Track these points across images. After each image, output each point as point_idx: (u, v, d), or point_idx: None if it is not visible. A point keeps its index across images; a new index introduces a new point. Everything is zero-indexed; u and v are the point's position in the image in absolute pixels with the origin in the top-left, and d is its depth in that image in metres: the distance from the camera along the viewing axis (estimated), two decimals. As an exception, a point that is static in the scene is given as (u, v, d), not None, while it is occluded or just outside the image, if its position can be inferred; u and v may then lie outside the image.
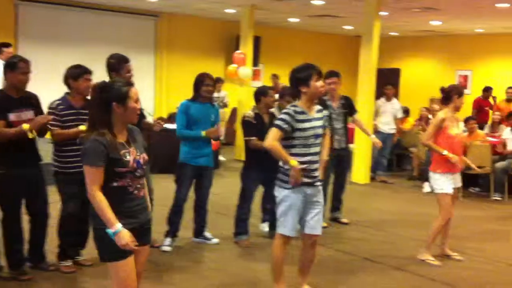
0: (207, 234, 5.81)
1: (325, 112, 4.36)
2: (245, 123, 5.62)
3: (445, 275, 5.08)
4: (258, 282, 4.79)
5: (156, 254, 5.30)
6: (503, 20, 12.20)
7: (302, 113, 4.05)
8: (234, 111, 12.71)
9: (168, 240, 5.52)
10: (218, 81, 11.75)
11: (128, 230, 2.95)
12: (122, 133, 3.05)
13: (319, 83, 4.07)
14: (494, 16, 11.59)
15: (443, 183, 5.26)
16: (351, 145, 6.58)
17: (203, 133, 5.36)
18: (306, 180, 4.07)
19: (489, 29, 13.94)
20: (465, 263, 5.46)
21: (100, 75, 4.77)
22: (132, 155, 3.02)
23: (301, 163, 4.03)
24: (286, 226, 4.14)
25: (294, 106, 4.09)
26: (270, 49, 14.80)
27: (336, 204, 6.91)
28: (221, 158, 11.00)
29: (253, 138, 5.48)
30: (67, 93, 4.70)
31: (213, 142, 8.83)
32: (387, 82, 10.55)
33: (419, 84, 16.31)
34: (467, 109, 9.76)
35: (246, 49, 11.42)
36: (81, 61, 4.91)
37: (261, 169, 5.56)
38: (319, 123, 4.17)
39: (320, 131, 4.16)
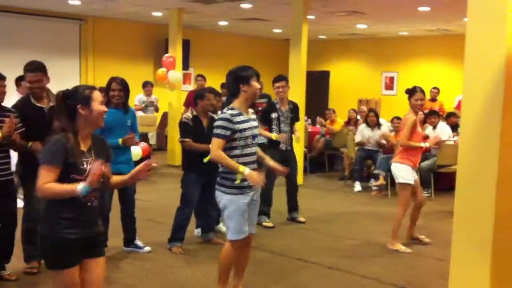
0: (138, 242, 5.62)
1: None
2: (182, 124, 5.58)
3: (376, 272, 5.16)
4: (191, 289, 4.68)
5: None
6: (425, 23, 12.68)
7: (240, 114, 4.04)
8: (164, 116, 12.49)
9: None
10: (147, 85, 11.52)
11: (79, 239, 2.95)
12: (85, 141, 3.02)
13: (258, 85, 4.13)
14: (416, 19, 12.02)
15: (409, 174, 5.75)
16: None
17: (120, 141, 5.14)
18: (248, 183, 4.03)
19: (413, 31, 14.46)
20: (397, 259, 5.59)
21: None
22: (91, 165, 2.95)
23: (243, 164, 4.01)
24: (234, 231, 4.08)
25: (231, 109, 4.06)
26: (200, 52, 14.72)
27: (292, 204, 7.03)
28: (152, 164, 10.75)
29: (188, 139, 5.43)
30: None
31: (143, 148, 8.70)
32: (318, 84, 10.73)
33: (347, 86, 16.71)
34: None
35: (175, 53, 11.26)
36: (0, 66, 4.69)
37: (201, 172, 5.51)
38: (255, 123, 4.21)
39: (256, 131, 4.18)
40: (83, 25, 12.85)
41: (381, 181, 8.79)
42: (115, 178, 3.24)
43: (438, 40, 14.85)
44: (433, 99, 11.91)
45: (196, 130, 5.49)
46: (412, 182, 5.77)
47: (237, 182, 3.97)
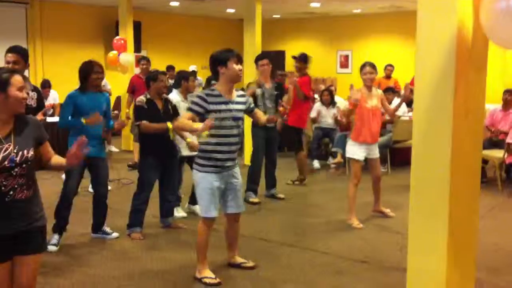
0: (106, 228, 5.53)
1: (250, 100, 4.54)
2: (136, 108, 5.51)
3: (336, 248, 5.21)
4: (159, 274, 4.60)
5: (50, 254, 4.94)
6: (378, 0, 12.74)
7: (218, 96, 4.18)
8: (118, 100, 12.21)
9: (55, 238, 5.16)
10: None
11: (1, 235, 2.77)
12: (3, 126, 2.80)
13: (238, 66, 4.18)
14: (368, -4, 12.07)
15: (356, 150, 5.82)
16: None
17: (83, 120, 5.05)
18: (226, 163, 4.22)
19: (366, 9, 14.53)
20: (356, 235, 5.65)
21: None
22: (5, 152, 2.74)
23: (218, 144, 4.17)
24: (204, 208, 4.25)
25: (211, 89, 4.24)
26: (153, 34, 14.42)
27: (271, 181, 7.25)
28: (113, 149, 10.59)
29: (144, 121, 5.36)
30: None
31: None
32: (273, 64, 10.58)
33: (303, 65, 16.68)
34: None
35: (126, 35, 10.98)
36: None
37: (159, 155, 5.49)
38: (239, 106, 4.29)
39: (240, 114, 4.29)
40: (29, 9, 12.39)
41: (339, 158, 8.85)
42: (56, 160, 3.06)
43: (391, 17, 14.98)
44: (388, 76, 12.02)
45: (151, 113, 5.41)
46: (358, 157, 5.81)
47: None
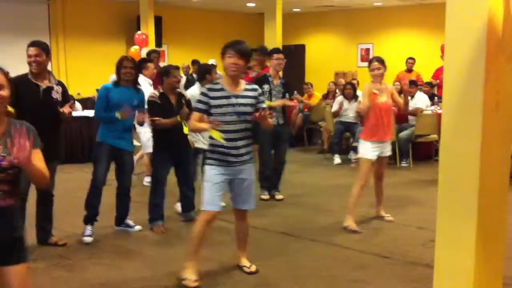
0: (129, 221, 5.58)
1: (263, 98, 4.26)
2: (150, 103, 5.47)
3: (359, 243, 5.18)
4: (181, 268, 4.62)
5: (75, 247, 5.02)
6: (399, -7, 12.62)
7: (220, 90, 4.05)
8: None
9: (88, 229, 5.21)
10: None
11: None
12: None
13: (230, 60, 4.00)
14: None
15: (367, 149, 5.47)
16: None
17: (118, 114, 5.12)
18: (229, 159, 4.05)
19: (387, 2, 14.39)
20: (377, 230, 5.61)
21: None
22: None
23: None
24: (204, 201, 4.10)
25: (215, 83, 4.18)
26: (173, 29, 14.48)
27: (274, 182, 6.92)
28: (135, 143, 10.66)
29: (158, 118, 5.37)
30: None
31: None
32: (294, 58, 10.57)
33: (323, 59, 16.63)
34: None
35: (147, 30, 11.05)
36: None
37: (171, 150, 5.52)
38: (245, 100, 4.06)
39: (246, 109, 4.04)
40: (52, 5, 12.52)
41: (360, 153, 8.78)
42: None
43: (412, 10, 14.82)
44: (409, 70, 11.89)
45: (164, 108, 5.41)
46: (370, 157, 5.47)
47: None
